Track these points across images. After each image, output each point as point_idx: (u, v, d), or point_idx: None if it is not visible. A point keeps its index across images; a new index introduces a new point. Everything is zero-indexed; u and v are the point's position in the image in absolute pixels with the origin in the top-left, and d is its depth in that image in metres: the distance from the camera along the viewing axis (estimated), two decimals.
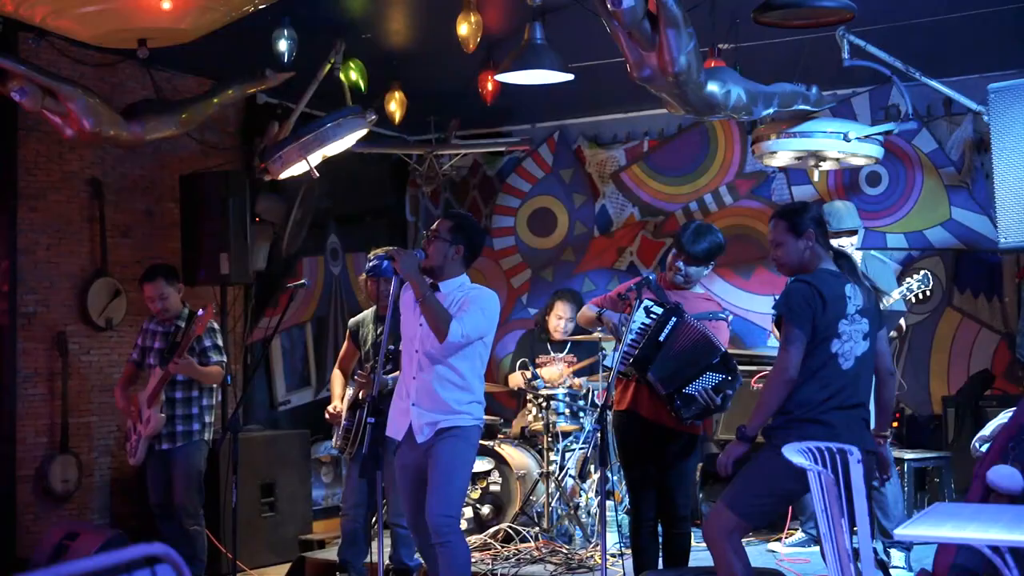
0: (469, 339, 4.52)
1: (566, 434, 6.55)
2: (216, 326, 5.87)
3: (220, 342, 5.87)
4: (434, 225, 4.75)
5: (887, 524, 5.53)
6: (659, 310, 4.71)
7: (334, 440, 5.77)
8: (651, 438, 4.84)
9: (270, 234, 7.29)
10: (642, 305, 4.69)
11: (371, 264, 5.03)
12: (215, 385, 5.87)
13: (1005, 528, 3.07)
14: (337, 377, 5.91)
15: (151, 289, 5.74)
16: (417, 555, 5.86)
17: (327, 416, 5.80)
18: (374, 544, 5.78)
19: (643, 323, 4.68)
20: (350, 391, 5.69)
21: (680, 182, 8.17)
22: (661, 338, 4.66)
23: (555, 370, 6.69)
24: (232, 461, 5.21)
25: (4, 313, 6.20)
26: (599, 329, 5.56)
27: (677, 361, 4.66)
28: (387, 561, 5.53)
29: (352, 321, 5.95)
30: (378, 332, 5.62)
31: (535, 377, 6.63)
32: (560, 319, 6.91)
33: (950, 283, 7.21)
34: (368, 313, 5.83)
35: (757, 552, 6.21)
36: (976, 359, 7.08)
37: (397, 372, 5.48)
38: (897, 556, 5.59)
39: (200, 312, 5.58)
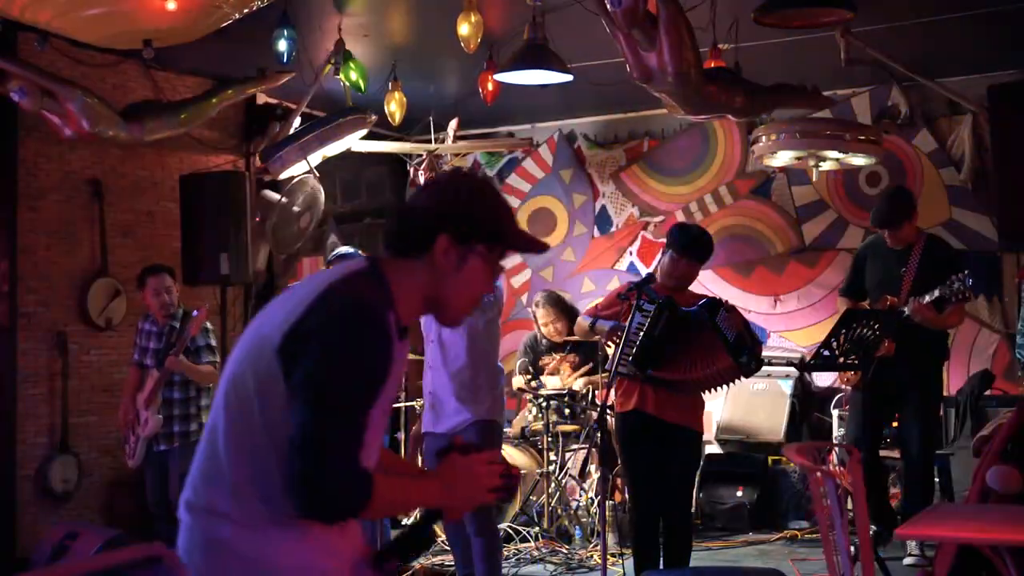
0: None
1: (566, 434, 6.55)
2: (210, 327, 5.86)
3: (214, 342, 5.85)
4: None
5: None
6: (651, 307, 4.72)
7: None
8: (657, 436, 4.83)
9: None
10: (635, 306, 4.70)
11: None
12: (212, 385, 5.86)
13: (1005, 528, 3.07)
14: None
15: (156, 282, 5.71)
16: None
17: None
18: None
19: (639, 321, 4.69)
20: None
21: (680, 182, 8.17)
22: (657, 332, 4.66)
23: (560, 371, 6.71)
24: None
25: (4, 313, 6.20)
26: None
27: (679, 350, 4.67)
28: None
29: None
30: None
31: (535, 377, 6.63)
32: (546, 325, 6.91)
33: None
34: None
35: (757, 552, 6.21)
36: (976, 359, 7.07)
37: None
38: (912, 543, 5.59)
39: (195, 312, 5.59)
